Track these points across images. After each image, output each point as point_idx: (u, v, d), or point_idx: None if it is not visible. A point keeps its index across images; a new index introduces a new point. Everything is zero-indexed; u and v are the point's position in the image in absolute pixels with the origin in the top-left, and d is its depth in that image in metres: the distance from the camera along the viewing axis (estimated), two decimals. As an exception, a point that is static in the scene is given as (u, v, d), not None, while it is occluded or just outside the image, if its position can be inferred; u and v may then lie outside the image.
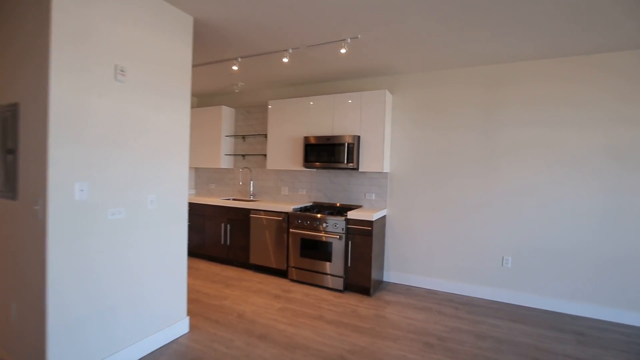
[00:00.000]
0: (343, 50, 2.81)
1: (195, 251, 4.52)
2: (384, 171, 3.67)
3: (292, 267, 3.75)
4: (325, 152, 3.78)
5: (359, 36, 2.66)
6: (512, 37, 2.70)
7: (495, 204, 3.40)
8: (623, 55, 2.93)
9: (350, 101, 3.73)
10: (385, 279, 3.92)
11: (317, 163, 3.82)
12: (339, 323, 2.81)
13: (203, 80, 4.18)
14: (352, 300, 3.30)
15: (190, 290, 3.35)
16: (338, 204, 4.13)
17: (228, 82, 4.27)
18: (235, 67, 3.40)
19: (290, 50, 3.00)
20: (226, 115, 4.73)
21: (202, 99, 5.28)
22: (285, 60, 3.10)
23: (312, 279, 3.64)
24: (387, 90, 3.61)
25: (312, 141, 3.86)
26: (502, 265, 3.39)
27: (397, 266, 3.87)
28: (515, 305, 3.30)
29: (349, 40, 2.71)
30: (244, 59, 3.30)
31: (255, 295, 3.35)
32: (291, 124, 4.11)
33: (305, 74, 3.85)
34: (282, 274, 3.93)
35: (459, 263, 3.56)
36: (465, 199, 3.52)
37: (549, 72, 3.18)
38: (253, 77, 4.05)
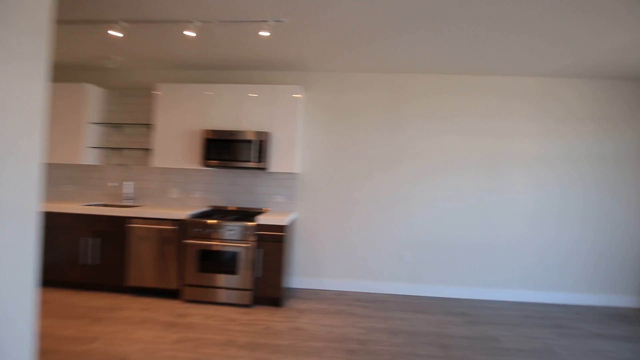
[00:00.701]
0: (264, 33, 2.48)
1: (41, 277, 3.30)
2: (295, 172, 3.47)
3: (188, 285, 3.13)
4: (230, 149, 3.32)
5: (285, 20, 2.39)
6: (417, 51, 2.91)
7: (397, 204, 3.64)
8: (501, 79, 3.57)
9: (257, 95, 3.38)
10: (292, 285, 3.71)
11: (219, 161, 3.33)
12: (254, 346, 2.44)
13: (64, 45, 3.08)
14: (263, 315, 2.96)
15: (40, 336, 2.37)
16: (241, 208, 3.70)
17: (100, 53, 3.30)
18: (114, 33, 2.60)
19: (199, 23, 2.46)
20: (93, 97, 3.65)
21: (59, 72, 3.94)
22: (189, 34, 2.53)
23: (214, 297, 3.12)
24: (300, 87, 3.43)
25: (214, 136, 3.34)
26: (402, 260, 3.65)
27: (305, 271, 3.72)
28: (415, 296, 3.59)
29: (272, 22, 2.40)
30: (130, 25, 2.56)
31: (139, 328, 2.62)
32: (187, 114, 3.47)
33: (210, 56, 3.30)
34: (173, 294, 3.24)
35: (365, 262, 3.67)
36: (371, 199, 3.66)
37: (443, 86, 3.60)
38: (139, 52, 3.24)
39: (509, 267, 3.59)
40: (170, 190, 3.80)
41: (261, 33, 2.49)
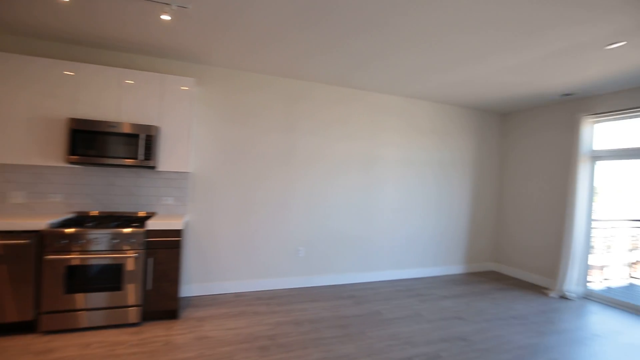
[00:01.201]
0: (165, 17, 2.22)
1: None
2: (187, 171, 3.20)
3: (49, 312, 2.49)
4: (106, 144, 2.80)
5: (190, 7, 2.20)
6: (313, 61, 3.17)
7: (293, 202, 3.84)
8: (376, 95, 4.18)
9: (143, 83, 2.97)
10: (186, 294, 3.42)
11: (91, 157, 2.76)
12: (156, 365, 2.18)
13: None
14: (159, 331, 2.65)
15: None
16: (121, 213, 3.17)
17: None
18: None
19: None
20: None
21: None
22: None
23: (89, 321, 2.58)
24: (195, 80, 3.19)
25: (84, 126, 2.75)
26: (297, 255, 3.88)
27: (199, 277, 3.49)
28: (310, 287, 3.87)
29: (175, 7, 2.17)
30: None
31: (-22, 379, 1.95)
32: (41, 97, 2.72)
33: (85, 29, 2.68)
34: (26, 328, 2.51)
35: (262, 260, 3.72)
36: (267, 199, 3.73)
37: (333, 96, 3.99)
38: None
39: (382, 252, 4.31)
40: (11, 193, 2.90)
41: (162, 17, 2.23)
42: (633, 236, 4.89)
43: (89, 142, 2.76)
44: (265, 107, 3.70)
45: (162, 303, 2.81)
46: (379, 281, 4.25)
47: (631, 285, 4.67)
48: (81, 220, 2.83)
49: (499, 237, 5.06)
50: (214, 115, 3.51)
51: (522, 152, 4.79)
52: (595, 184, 4.04)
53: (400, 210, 4.40)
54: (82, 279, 2.56)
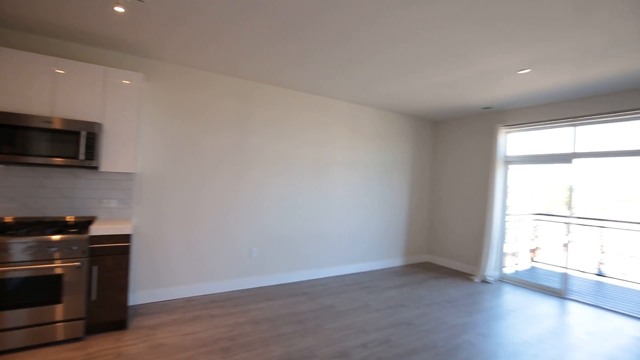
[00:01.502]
0: (119, 9, 2.08)
1: None
2: (132, 172, 3.01)
3: (-33, 334, 2.16)
4: (41, 141, 2.52)
5: (146, 0, 2.10)
6: (267, 63, 3.24)
7: (245, 204, 3.83)
8: (325, 99, 4.36)
9: (67, 72, 2.72)
10: (133, 302, 3.21)
11: (17, 155, 2.46)
12: (110, 378, 2.05)
13: None
14: (108, 343, 2.47)
15: None
16: (54, 218, 2.85)
17: None
18: None
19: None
20: None
21: None
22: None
23: (20, 341, 2.30)
24: (143, 75, 3.01)
25: (8, 120, 2.43)
26: (250, 256, 3.89)
27: (148, 283, 3.30)
28: (264, 287, 3.91)
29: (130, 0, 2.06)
30: None
31: None
32: (-45, 86, 2.33)
33: (22, 12, 2.35)
34: None
35: (214, 263, 3.65)
36: (219, 200, 3.67)
37: (285, 99, 4.06)
38: None
39: (332, 249, 4.53)
40: None
41: (116, 8, 2.10)
42: (534, 227, 5.87)
43: (14, 138, 2.45)
44: (218, 107, 3.63)
45: (109, 313, 2.62)
46: (330, 277, 4.46)
47: (533, 268, 5.61)
48: (3, 227, 2.49)
49: (432, 232, 5.66)
50: (164, 113, 3.35)
51: (451, 155, 5.43)
52: (508, 184, 4.78)
53: (348, 209, 4.67)
54: (10, 295, 2.27)
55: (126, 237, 2.68)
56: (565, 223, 4.25)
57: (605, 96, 3.73)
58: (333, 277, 4.48)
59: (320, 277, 4.42)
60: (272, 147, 3.99)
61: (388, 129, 5.10)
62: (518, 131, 4.65)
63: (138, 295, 3.24)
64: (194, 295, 3.53)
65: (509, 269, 5.02)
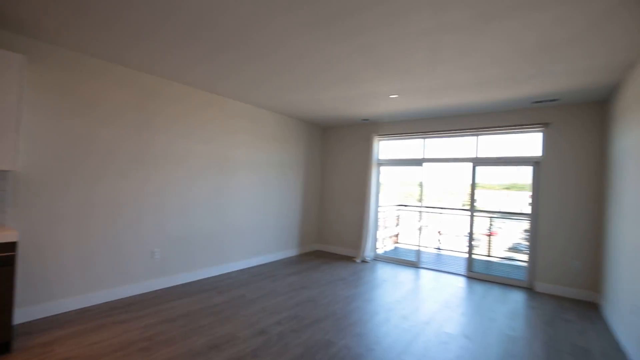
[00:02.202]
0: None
1: None
2: (7, 169, 2.59)
3: None
4: None
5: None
6: (172, 58, 3.28)
7: (147, 203, 3.69)
8: (230, 101, 4.50)
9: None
10: (18, 321, 2.72)
11: None
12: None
13: None
14: (-7, 368, 2.14)
15: None
16: None
17: None
18: None
19: None
20: None
21: None
22: None
23: None
24: (24, 57, 2.60)
25: None
26: (153, 257, 3.76)
27: (33, 297, 2.86)
28: (171, 287, 3.84)
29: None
30: None
31: None
32: None
33: None
34: None
35: (114, 268, 3.41)
36: (118, 200, 3.44)
37: (190, 97, 4.04)
38: None
39: (235, 244, 4.74)
40: None
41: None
42: (397, 216, 7.36)
43: None
44: (115, 100, 3.38)
45: (-11, 335, 2.25)
46: (234, 271, 4.66)
47: (396, 248, 7.04)
48: None
49: (321, 224, 6.46)
50: (49, 103, 2.95)
51: (337, 157, 6.33)
52: (380, 182, 5.94)
53: (249, 205, 4.96)
54: None
55: (10, 246, 2.34)
56: (418, 212, 5.63)
57: (444, 118, 5.15)
58: (237, 270, 4.70)
59: (226, 271, 4.58)
60: (174, 146, 3.94)
61: (284, 132, 5.59)
62: (387, 140, 5.85)
63: (23, 311, 2.79)
64: (92, 304, 3.23)
65: (380, 250, 6.25)
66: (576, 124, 4.18)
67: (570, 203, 4.19)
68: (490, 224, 6.10)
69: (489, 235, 6.08)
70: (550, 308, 3.77)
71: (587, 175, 4.10)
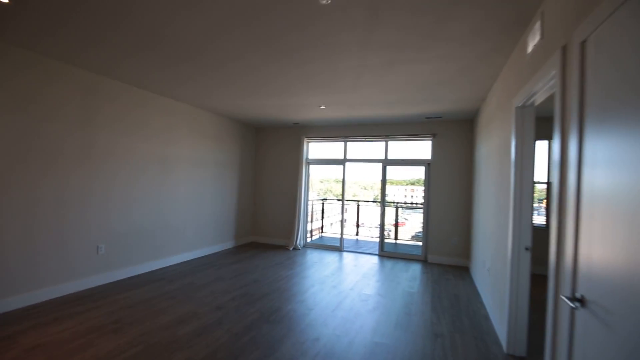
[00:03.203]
0: None
1: None
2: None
3: None
4: None
5: None
6: (115, 58, 3.51)
7: (92, 200, 3.77)
8: (171, 101, 4.71)
9: None
10: (-53, 325, 2.67)
11: None
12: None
13: None
14: (-37, 359, 2.22)
15: None
16: None
17: None
18: None
19: None
20: None
21: None
22: None
23: None
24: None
25: None
26: (98, 253, 3.86)
27: (-31, 299, 2.81)
28: (118, 281, 3.98)
29: None
30: None
31: None
32: None
33: None
34: None
35: (59, 264, 3.45)
36: (62, 197, 3.49)
37: (134, 97, 4.18)
38: None
39: (177, 238, 4.98)
40: None
41: None
42: (323, 209, 8.29)
43: None
44: (61, 97, 3.42)
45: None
46: (177, 263, 4.92)
47: (323, 237, 7.97)
48: None
49: (256, 217, 6.99)
50: (-8, 101, 2.91)
51: (270, 156, 6.93)
52: (309, 178, 6.75)
53: (189, 201, 5.25)
54: None
55: (-30, 243, 2.40)
56: (340, 205, 6.61)
57: (362, 126, 6.20)
58: (180, 262, 4.96)
59: (170, 264, 4.81)
60: (118, 143, 4.06)
61: (221, 132, 5.96)
62: (315, 142, 6.68)
63: (-43, 314, 2.74)
64: (39, 301, 3.25)
65: (309, 239, 7.07)
66: (454, 135, 5.62)
67: (451, 195, 5.62)
68: (397, 215, 7.47)
69: (395, 225, 7.45)
70: (437, 272, 5.07)
71: (462, 174, 5.56)
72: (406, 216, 10.20)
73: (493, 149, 3.56)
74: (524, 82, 2.33)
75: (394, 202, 7.03)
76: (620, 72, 1.08)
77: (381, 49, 2.79)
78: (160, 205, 4.67)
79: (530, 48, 2.22)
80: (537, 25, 2.07)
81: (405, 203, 6.86)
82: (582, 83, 1.37)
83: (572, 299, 1.30)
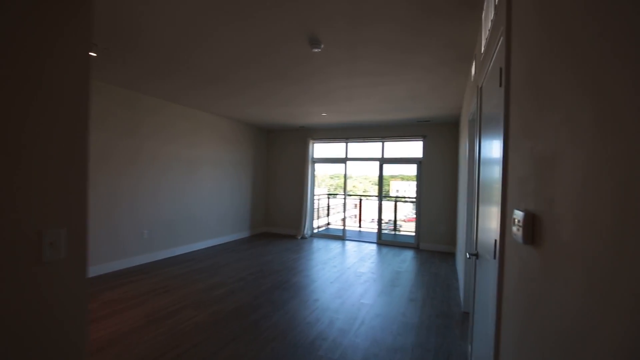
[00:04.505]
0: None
1: None
2: None
3: None
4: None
5: None
6: (159, 81, 4.38)
7: (137, 194, 4.68)
8: (197, 112, 5.59)
9: None
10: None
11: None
12: (98, 315, 2.97)
13: None
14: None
15: None
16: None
17: None
18: None
19: None
20: None
21: None
22: None
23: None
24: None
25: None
26: (142, 237, 4.78)
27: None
28: (159, 260, 4.90)
29: None
30: None
31: None
32: None
33: None
34: None
35: (112, 246, 4.37)
36: (115, 191, 4.40)
37: (170, 110, 5.07)
38: None
39: (207, 226, 5.89)
40: None
41: None
42: (328, 203, 9.09)
43: None
44: (107, 113, 4.32)
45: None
46: (202, 248, 5.84)
47: (328, 227, 8.77)
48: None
49: (268, 210, 7.86)
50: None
51: (279, 156, 7.77)
52: (315, 175, 7.57)
53: (211, 196, 6.14)
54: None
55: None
56: (343, 199, 7.42)
57: (360, 128, 6.97)
58: (205, 247, 5.88)
59: (197, 248, 5.73)
60: (159, 147, 4.96)
61: (237, 136, 6.83)
62: (320, 142, 7.49)
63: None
64: (103, 273, 4.18)
65: (315, 229, 7.92)
66: (442, 136, 6.34)
67: (439, 189, 6.35)
68: (395, 208, 8.23)
69: (394, 217, 8.21)
70: (426, 257, 5.84)
71: (448, 171, 6.29)
72: (406, 209, 10.93)
73: (463, 150, 4.30)
74: (470, 102, 3.09)
75: (390, 196, 7.79)
76: (488, 105, 1.86)
77: (364, 75, 3.57)
78: (188, 199, 5.57)
79: (472, 78, 2.98)
80: (474, 64, 2.82)
81: (401, 197, 7.61)
82: (481, 111, 2.14)
83: (473, 254, 2.09)
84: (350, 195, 8.90)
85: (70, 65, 1.04)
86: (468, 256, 2.06)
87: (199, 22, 2.45)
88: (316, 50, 2.84)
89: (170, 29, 2.58)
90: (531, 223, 0.89)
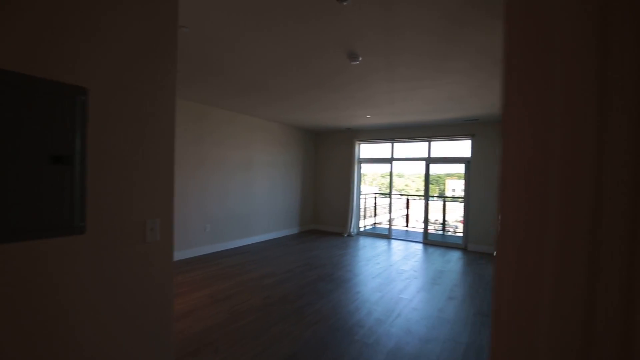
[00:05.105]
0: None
1: None
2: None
3: None
4: None
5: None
6: (215, 90, 4.96)
7: (201, 192, 5.36)
8: (251, 118, 6.19)
9: None
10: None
11: None
12: (173, 294, 3.59)
13: None
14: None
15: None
16: None
17: None
18: None
19: None
20: None
21: None
22: None
23: None
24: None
25: None
26: (205, 231, 5.46)
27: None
28: (218, 251, 5.56)
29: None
30: None
31: None
32: None
33: None
34: None
35: (180, 237, 5.09)
36: (184, 190, 5.10)
37: (230, 118, 5.71)
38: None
39: (259, 222, 6.48)
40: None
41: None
42: (374, 202, 9.24)
43: None
44: (178, 123, 5.03)
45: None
46: (256, 242, 6.43)
47: (374, 227, 8.93)
48: None
49: (316, 208, 8.28)
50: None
51: (327, 157, 8.13)
52: (361, 175, 7.79)
53: (266, 194, 6.71)
54: None
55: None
56: (389, 198, 7.54)
57: (405, 129, 7.03)
58: (259, 242, 6.46)
59: (251, 242, 6.34)
60: (221, 152, 5.61)
61: (288, 138, 7.32)
62: (365, 143, 7.69)
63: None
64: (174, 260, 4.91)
65: (362, 228, 8.14)
66: (490, 135, 6.15)
67: (489, 189, 6.18)
68: (444, 207, 8.10)
69: (444, 217, 8.09)
70: (473, 258, 5.76)
71: (496, 170, 6.08)
72: (452, 206, 10.57)
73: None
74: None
75: (436, 195, 7.70)
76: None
77: (402, 81, 3.74)
78: (243, 198, 6.18)
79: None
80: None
81: (449, 196, 7.46)
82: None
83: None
84: (398, 194, 8.93)
85: (166, 103, 1.47)
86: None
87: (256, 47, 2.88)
88: (355, 63, 3.11)
89: (246, 65, 3.06)
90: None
